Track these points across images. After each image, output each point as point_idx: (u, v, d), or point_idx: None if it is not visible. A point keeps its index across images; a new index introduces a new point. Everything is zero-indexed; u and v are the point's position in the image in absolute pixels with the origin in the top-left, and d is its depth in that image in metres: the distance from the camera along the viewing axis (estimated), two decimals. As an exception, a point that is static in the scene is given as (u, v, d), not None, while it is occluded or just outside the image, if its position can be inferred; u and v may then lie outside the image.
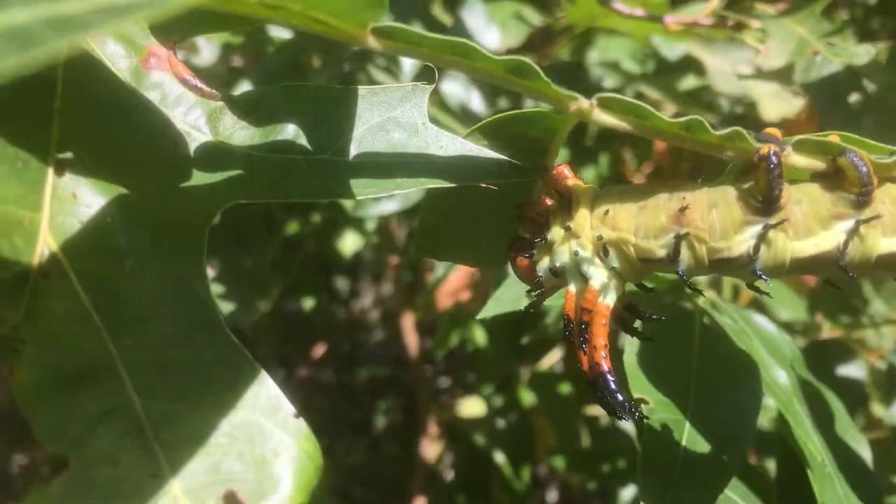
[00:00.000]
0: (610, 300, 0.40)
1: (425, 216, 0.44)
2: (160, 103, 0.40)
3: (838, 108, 0.75)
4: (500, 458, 1.94)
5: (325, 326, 2.51)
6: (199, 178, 0.38)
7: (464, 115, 1.13)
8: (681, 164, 1.38)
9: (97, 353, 0.34)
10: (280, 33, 1.06)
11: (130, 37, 0.40)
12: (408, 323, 2.01)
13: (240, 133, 0.40)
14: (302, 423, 0.34)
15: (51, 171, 0.35)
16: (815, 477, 0.60)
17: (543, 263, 0.41)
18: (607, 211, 0.40)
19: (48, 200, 0.34)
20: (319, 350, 2.43)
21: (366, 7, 0.32)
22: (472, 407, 2.13)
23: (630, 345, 0.59)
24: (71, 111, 0.37)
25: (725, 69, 1.24)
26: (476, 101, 1.13)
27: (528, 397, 1.90)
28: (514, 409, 1.95)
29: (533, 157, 0.41)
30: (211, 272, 1.31)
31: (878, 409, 1.24)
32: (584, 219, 0.40)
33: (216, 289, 1.30)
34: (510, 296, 0.65)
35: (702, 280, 0.77)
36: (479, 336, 1.88)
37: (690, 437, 0.55)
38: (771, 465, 0.95)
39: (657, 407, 0.55)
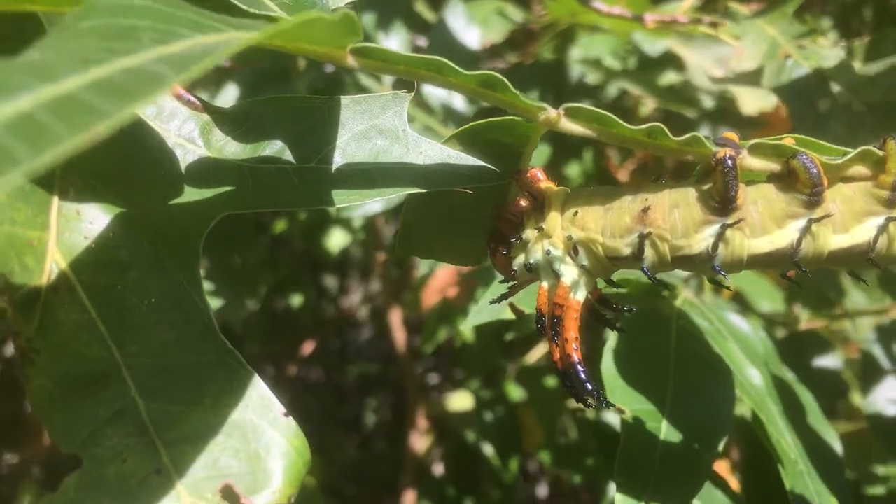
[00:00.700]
0: (580, 296, 0.43)
1: (407, 216, 0.46)
2: (156, 118, 0.42)
3: (808, 112, 0.77)
4: (488, 451, 1.97)
5: (315, 324, 2.53)
6: (192, 191, 0.40)
7: (446, 115, 1.15)
8: (665, 160, 1.41)
9: (104, 361, 0.36)
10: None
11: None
12: (395, 319, 2.03)
13: (231, 145, 0.42)
14: (291, 422, 0.37)
15: (56, 192, 0.37)
16: (787, 474, 0.63)
17: (519, 260, 0.44)
18: (576, 212, 0.42)
19: (55, 219, 0.37)
20: (308, 347, 2.45)
21: (341, 36, 0.34)
22: (460, 401, 2.16)
23: (608, 350, 0.61)
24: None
25: (704, 65, 1.27)
26: (458, 101, 1.15)
27: (515, 392, 1.93)
28: (501, 404, 1.98)
29: (507, 161, 0.44)
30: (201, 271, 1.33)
31: (858, 399, 1.27)
32: (555, 220, 0.42)
33: (206, 287, 1.31)
34: (492, 305, 0.67)
35: (681, 282, 0.80)
36: (466, 331, 1.91)
37: (668, 436, 0.58)
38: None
39: (634, 408, 0.57)
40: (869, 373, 1.06)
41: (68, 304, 0.35)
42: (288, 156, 0.42)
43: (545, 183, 0.44)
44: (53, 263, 0.36)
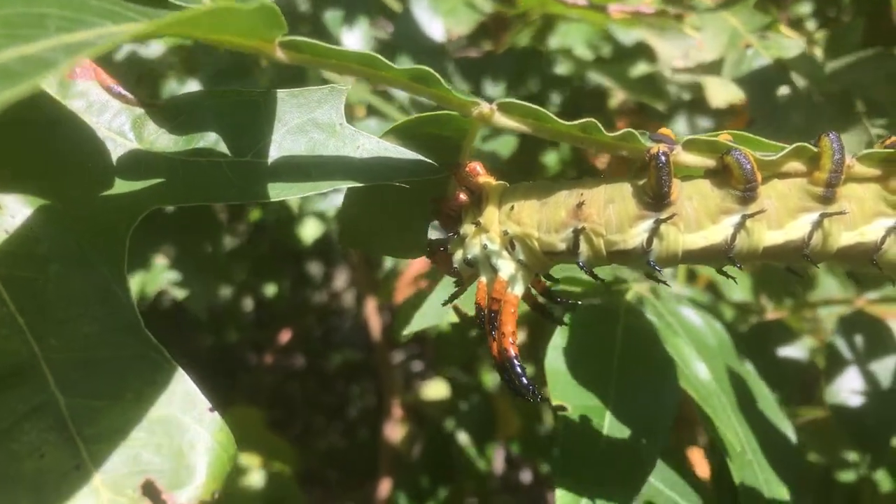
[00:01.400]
0: (518, 290, 0.43)
1: (347, 210, 0.46)
2: (86, 111, 0.41)
3: (767, 102, 0.77)
4: (463, 439, 1.98)
5: (299, 311, 2.53)
6: (122, 184, 0.40)
7: (412, 105, 1.14)
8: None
9: (22, 354, 0.36)
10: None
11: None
12: (371, 308, 2.03)
13: (164, 138, 0.41)
14: (216, 417, 0.36)
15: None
16: (734, 466, 0.64)
17: (458, 256, 0.43)
18: (513, 207, 0.42)
19: (-25, 213, 0.36)
20: (285, 336, 2.44)
21: (263, 28, 0.33)
22: (436, 390, 2.16)
23: (552, 345, 0.61)
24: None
25: (675, 56, 1.27)
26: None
27: (491, 380, 1.93)
28: (477, 392, 1.99)
29: (446, 155, 0.44)
30: (164, 259, 1.32)
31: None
32: (492, 214, 0.42)
33: (171, 276, 1.31)
34: (434, 310, 0.68)
35: (636, 276, 0.80)
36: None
37: (611, 431, 0.58)
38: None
39: (577, 407, 0.58)
40: (832, 363, 1.06)
41: (-15, 297, 0.35)
42: (222, 149, 0.41)
43: (483, 177, 0.43)
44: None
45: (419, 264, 1.64)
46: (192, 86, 1.04)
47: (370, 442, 2.40)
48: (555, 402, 0.57)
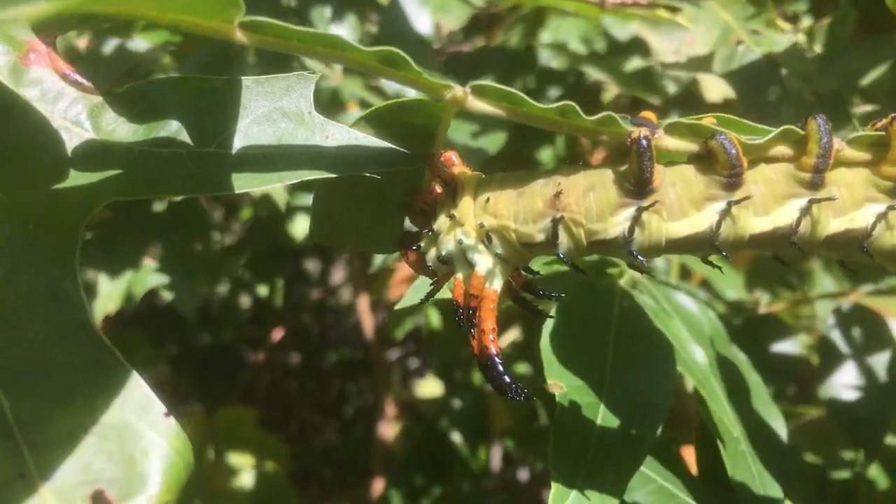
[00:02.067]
0: (497, 285, 0.41)
1: (318, 205, 0.44)
2: (40, 99, 0.39)
3: (757, 98, 0.76)
4: (457, 437, 1.96)
5: (296, 309, 2.51)
6: (77, 176, 0.38)
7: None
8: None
9: (-35, 355, 0.33)
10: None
11: (10, 33, 0.39)
12: (363, 306, 2.01)
13: (122, 128, 0.39)
14: (172, 422, 0.34)
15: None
16: (727, 454, 0.62)
17: (431, 253, 0.41)
18: (489, 198, 0.40)
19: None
20: (278, 334, 2.43)
21: (219, 7, 0.31)
22: (429, 388, 2.15)
23: (546, 330, 0.59)
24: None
25: (668, 50, 1.25)
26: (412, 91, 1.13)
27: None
28: (470, 390, 1.97)
29: (421, 145, 0.42)
30: (152, 260, 1.30)
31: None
32: (467, 206, 0.40)
33: (159, 277, 1.29)
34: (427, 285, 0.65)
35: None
36: (434, 319, 1.89)
37: (605, 418, 0.56)
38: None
39: (571, 390, 0.56)
40: (827, 357, 1.05)
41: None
42: (184, 139, 0.40)
43: (459, 168, 0.41)
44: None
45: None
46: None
47: (367, 440, 2.39)
48: (550, 382, 0.55)
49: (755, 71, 0.78)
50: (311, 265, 2.59)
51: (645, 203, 0.38)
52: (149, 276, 1.32)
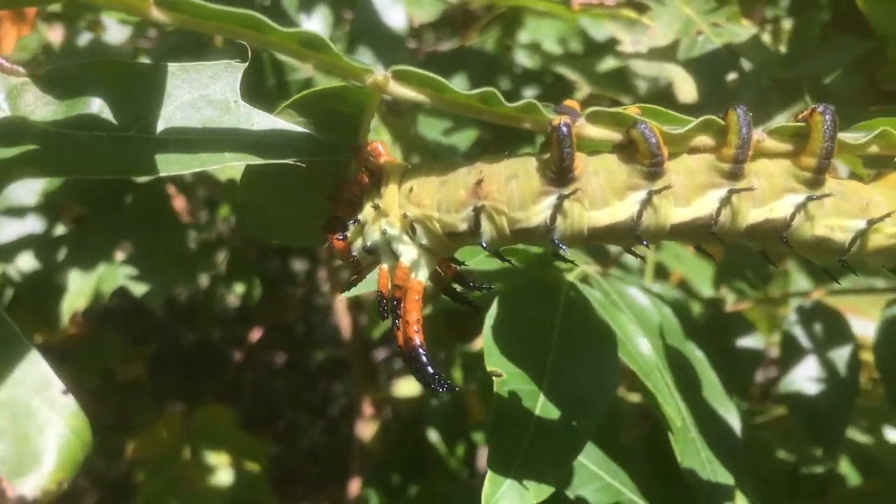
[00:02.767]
0: (422, 276, 0.40)
1: (243, 195, 0.43)
2: (-44, 80, 0.39)
3: (716, 86, 0.76)
4: (434, 436, 1.96)
5: (282, 308, 2.51)
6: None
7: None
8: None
9: None
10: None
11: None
12: (340, 305, 2.00)
13: (42, 109, 0.39)
14: (70, 401, 0.34)
15: None
16: (676, 441, 0.62)
17: (357, 243, 0.41)
18: (412, 188, 0.40)
19: None
20: (256, 334, 2.42)
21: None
22: (407, 387, 2.15)
23: (488, 320, 0.59)
24: None
25: (630, 42, 1.25)
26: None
27: (461, 377, 1.91)
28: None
29: (347, 133, 0.41)
30: (121, 255, 1.29)
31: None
32: (392, 196, 0.40)
33: (128, 271, 1.28)
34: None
35: (584, 256, 0.78)
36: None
37: (544, 407, 0.56)
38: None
39: (511, 378, 0.56)
40: (789, 353, 1.06)
41: None
42: (104, 122, 0.39)
43: (385, 157, 0.41)
44: None
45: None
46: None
47: (351, 439, 2.39)
48: (489, 369, 0.55)
49: (714, 59, 0.78)
50: (298, 264, 2.58)
51: (566, 191, 0.38)
52: (119, 272, 1.31)
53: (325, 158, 0.41)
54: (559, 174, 0.38)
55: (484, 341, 0.58)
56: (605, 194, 0.38)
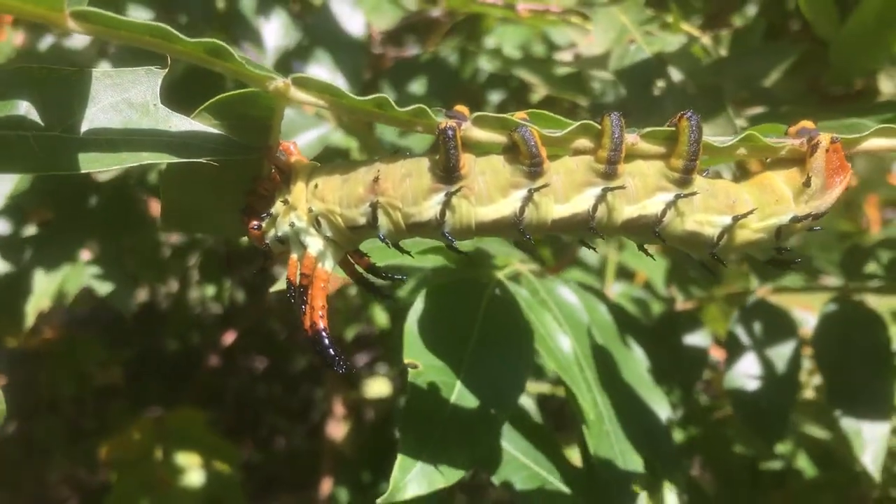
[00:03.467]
0: (328, 266, 0.44)
1: (166, 192, 0.47)
2: None
3: (644, 93, 0.80)
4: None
5: (261, 312, 2.52)
6: None
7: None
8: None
9: None
10: (140, 14, 1.07)
11: None
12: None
13: (-27, 112, 0.42)
14: None
15: None
16: (590, 434, 0.66)
17: (269, 234, 0.45)
18: (317, 185, 0.43)
19: None
20: (230, 337, 2.43)
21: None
22: (377, 387, 2.17)
23: (412, 312, 0.63)
24: None
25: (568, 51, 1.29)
26: (340, 82, 1.16)
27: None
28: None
29: (260, 134, 0.45)
30: (87, 255, 1.32)
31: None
32: (299, 192, 0.44)
33: (93, 270, 1.30)
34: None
35: (522, 257, 0.82)
36: (381, 317, 1.92)
37: (460, 396, 0.60)
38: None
39: (429, 369, 0.59)
40: (732, 350, 1.10)
41: None
42: (30, 122, 0.42)
43: (295, 157, 0.45)
44: None
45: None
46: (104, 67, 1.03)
47: (323, 440, 2.40)
48: (406, 360, 0.59)
49: (644, 68, 0.82)
50: (280, 269, 2.58)
51: (453, 188, 0.41)
52: (84, 272, 1.33)
53: (240, 157, 0.44)
54: (447, 173, 0.41)
55: (406, 334, 0.61)
56: (491, 192, 0.42)
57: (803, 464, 1.56)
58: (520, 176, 0.42)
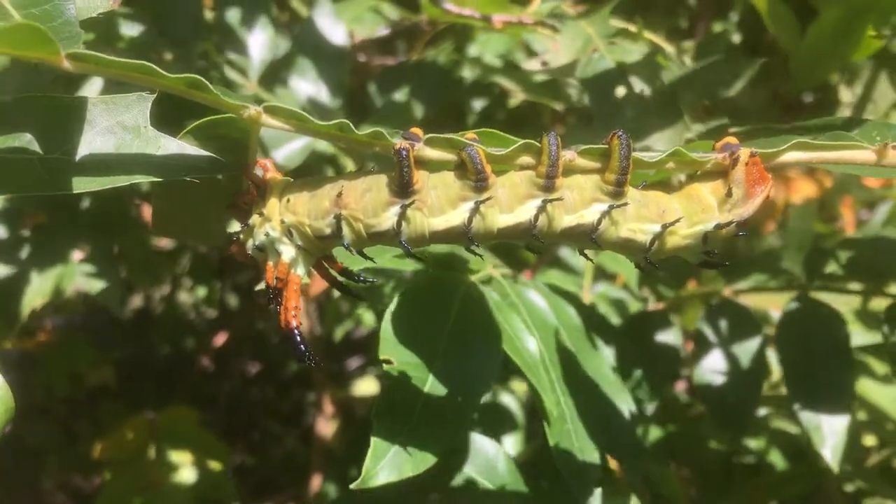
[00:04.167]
0: (300, 271, 0.49)
1: (157, 202, 0.52)
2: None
3: (606, 100, 0.85)
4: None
5: (255, 316, 2.55)
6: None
7: (312, 108, 1.21)
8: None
9: None
10: (130, 31, 1.11)
11: None
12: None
13: (-16, 138, 0.47)
14: None
15: None
16: (551, 430, 0.71)
17: (248, 244, 0.50)
18: (289, 199, 0.49)
19: None
20: (221, 338, 2.48)
21: (40, 44, 0.39)
22: (365, 387, 2.22)
23: (388, 312, 0.68)
24: None
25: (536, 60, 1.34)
26: (324, 95, 1.21)
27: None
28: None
29: (239, 153, 0.50)
30: (79, 255, 1.36)
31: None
32: (273, 206, 0.49)
33: (85, 269, 1.34)
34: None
35: (495, 262, 0.87)
36: (368, 318, 1.97)
37: (432, 388, 0.65)
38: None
39: (403, 365, 0.65)
40: (699, 347, 1.15)
41: None
42: (35, 147, 0.47)
43: (270, 173, 0.50)
44: None
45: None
46: (96, 82, 1.08)
47: (313, 438, 2.44)
48: (382, 357, 0.64)
49: (606, 77, 0.87)
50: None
51: (407, 202, 0.47)
52: (75, 272, 1.37)
53: (221, 174, 0.49)
54: (401, 188, 0.46)
55: (381, 332, 0.66)
56: (442, 204, 0.47)
57: (775, 458, 1.61)
58: (468, 190, 0.47)
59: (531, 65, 0.96)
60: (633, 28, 1.05)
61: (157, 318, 2.58)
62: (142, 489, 1.74)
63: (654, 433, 1.43)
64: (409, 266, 0.76)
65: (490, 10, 1.16)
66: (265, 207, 0.49)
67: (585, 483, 0.72)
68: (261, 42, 1.22)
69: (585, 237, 0.48)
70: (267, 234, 0.49)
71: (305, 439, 2.76)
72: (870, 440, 1.55)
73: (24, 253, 1.35)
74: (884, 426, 1.43)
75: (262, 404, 2.79)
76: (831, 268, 1.17)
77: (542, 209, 0.47)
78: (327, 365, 2.33)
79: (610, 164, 0.47)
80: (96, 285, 1.33)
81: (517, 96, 1.53)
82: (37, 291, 1.30)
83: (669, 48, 1.15)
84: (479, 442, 0.79)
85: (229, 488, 1.90)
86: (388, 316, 0.68)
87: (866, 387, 1.41)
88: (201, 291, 2.10)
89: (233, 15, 1.19)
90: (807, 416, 1.02)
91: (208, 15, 1.28)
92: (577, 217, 0.48)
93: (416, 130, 0.47)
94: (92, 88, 1.06)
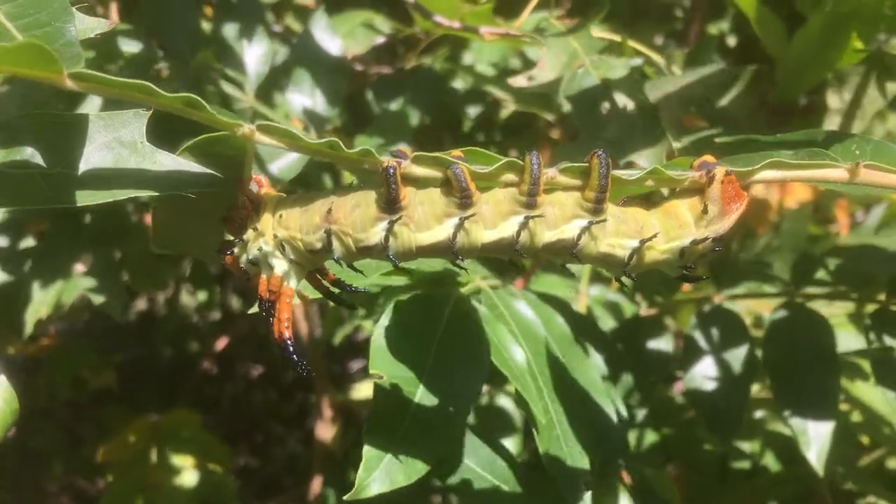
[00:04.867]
0: (293, 284, 0.51)
1: (157, 216, 0.54)
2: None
3: (591, 115, 0.87)
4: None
5: (258, 321, 2.55)
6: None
7: (309, 119, 1.23)
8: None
9: None
10: (129, 47, 1.13)
11: None
12: (297, 311, 2.09)
13: (-11, 153, 0.49)
14: (2, 378, 0.44)
15: None
16: (540, 438, 0.73)
17: (243, 258, 0.52)
18: (282, 215, 0.51)
19: None
20: (222, 342, 2.49)
21: (43, 63, 0.41)
22: (364, 390, 2.24)
23: (379, 325, 0.70)
24: None
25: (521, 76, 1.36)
26: (320, 105, 1.23)
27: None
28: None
29: (235, 169, 0.52)
30: (81, 268, 1.38)
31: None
32: (267, 221, 0.51)
33: (88, 280, 1.36)
34: None
35: (484, 273, 0.89)
36: (368, 322, 1.98)
37: (422, 399, 0.67)
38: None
39: (393, 378, 0.67)
40: (690, 353, 1.17)
41: None
42: (36, 162, 0.49)
43: (264, 189, 0.52)
44: None
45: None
46: (95, 101, 1.10)
47: (313, 442, 2.45)
48: (372, 371, 0.66)
49: (591, 92, 0.89)
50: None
51: (395, 217, 0.49)
52: (78, 282, 1.39)
53: (217, 190, 0.51)
54: (389, 205, 0.48)
55: (372, 345, 0.68)
56: (428, 220, 0.49)
57: (770, 461, 1.63)
58: (453, 207, 0.49)
59: (518, 81, 0.97)
60: (620, 40, 1.07)
61: (160, 321, 2.60)
62: (144, 491, 1.75)
63: (650, 436, 1.44)
64: (399, 281, 0.78)
65: (476, 23, 1.18)
66: (259, 222, 0.51)
67: (575, 487, 0.74)
68: (257, 56, 1.24)
69: (566, 252, 0.50)
70: (260, 249, 0.51)
71: (308, 441, 2.77)
72: (865, 441, 1.56)
73: (28, 263, 1.37)
74: (877, 428, 1.45)
75: (265, 407, 2.80)
76: (820, 274, 1.19)
77: (524, 225, 0.49)
78: (328, 368, 2.35)
79: (589, 182, 0.49)
80: (99, 298, 1.35)
81: (509, 106, 1.55)
82: (41, 301, 1.32)
83: (658, 58, 1.17)
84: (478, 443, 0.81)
85: (231, 491, 1.92)
86: (378, 331, 0.70)
87: (860, 389, 1.43)
88: (203, 295, 2.12)
89: (229, 30, 1.21)
90: (793, 421, 1.04)
91: (205, 26, 1.30)
92: (558, 233, 0.50)
93: (404, 149, 0.49)
94: (92, 104, 1.08)
